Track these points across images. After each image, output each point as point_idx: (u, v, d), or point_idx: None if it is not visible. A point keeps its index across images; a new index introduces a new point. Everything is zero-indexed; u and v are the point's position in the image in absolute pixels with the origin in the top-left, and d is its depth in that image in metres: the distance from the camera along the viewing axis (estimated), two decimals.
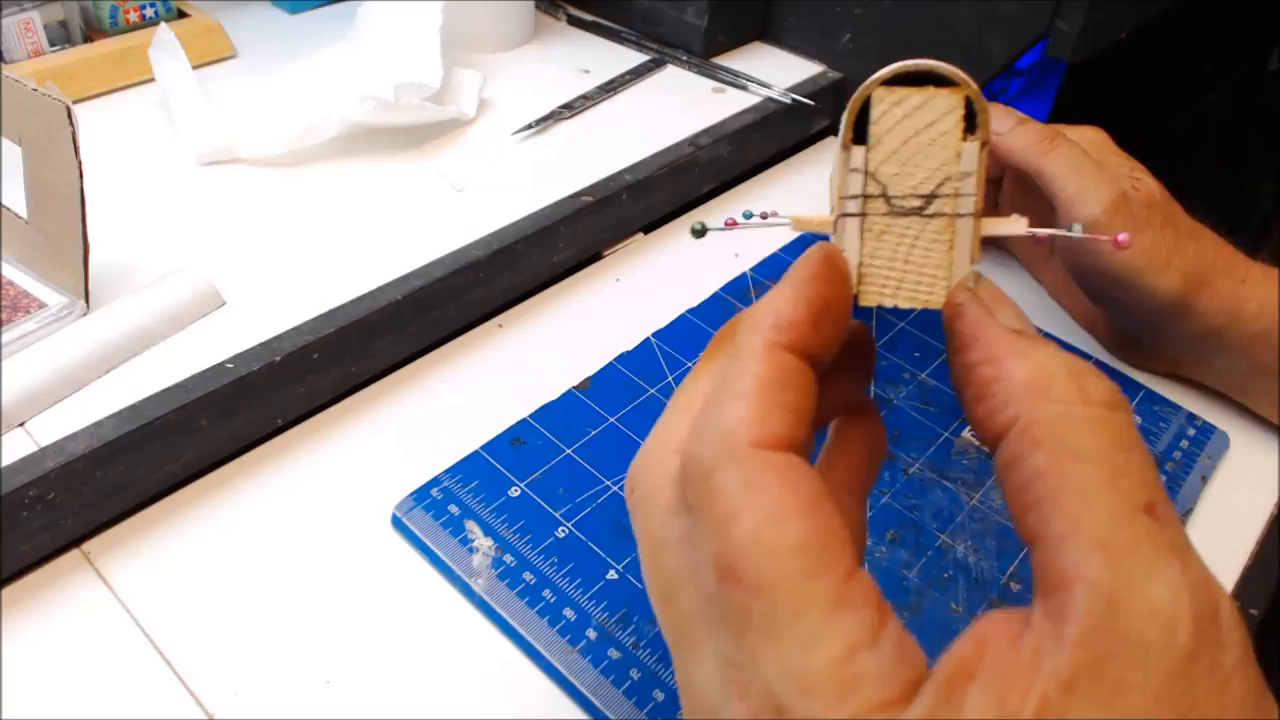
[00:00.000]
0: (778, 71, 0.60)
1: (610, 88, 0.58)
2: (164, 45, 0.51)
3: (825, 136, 0.62)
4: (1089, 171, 0.40)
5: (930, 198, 0.19)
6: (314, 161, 0.50)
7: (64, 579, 0.33)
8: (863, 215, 0.20)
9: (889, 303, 0.21)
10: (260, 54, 0.59)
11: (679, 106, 0.56)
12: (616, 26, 0.65)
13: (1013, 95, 0.77)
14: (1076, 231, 0.22)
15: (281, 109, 0.51)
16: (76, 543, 0.34)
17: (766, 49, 0.64)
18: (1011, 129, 0.42)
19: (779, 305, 0.19)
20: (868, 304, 0.21)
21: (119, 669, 0.31)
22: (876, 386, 0.43)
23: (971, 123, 0.19)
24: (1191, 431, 0.42)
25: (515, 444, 0.38)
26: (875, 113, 0.19)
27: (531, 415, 0.40)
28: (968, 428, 0.41)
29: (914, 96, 0.19)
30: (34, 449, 0.33)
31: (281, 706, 0.30)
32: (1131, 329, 0.44)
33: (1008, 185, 0.47)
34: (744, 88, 0.59)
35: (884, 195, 0.20)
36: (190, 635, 0.32)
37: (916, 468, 0.39)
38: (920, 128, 0.19)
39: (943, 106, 0.19)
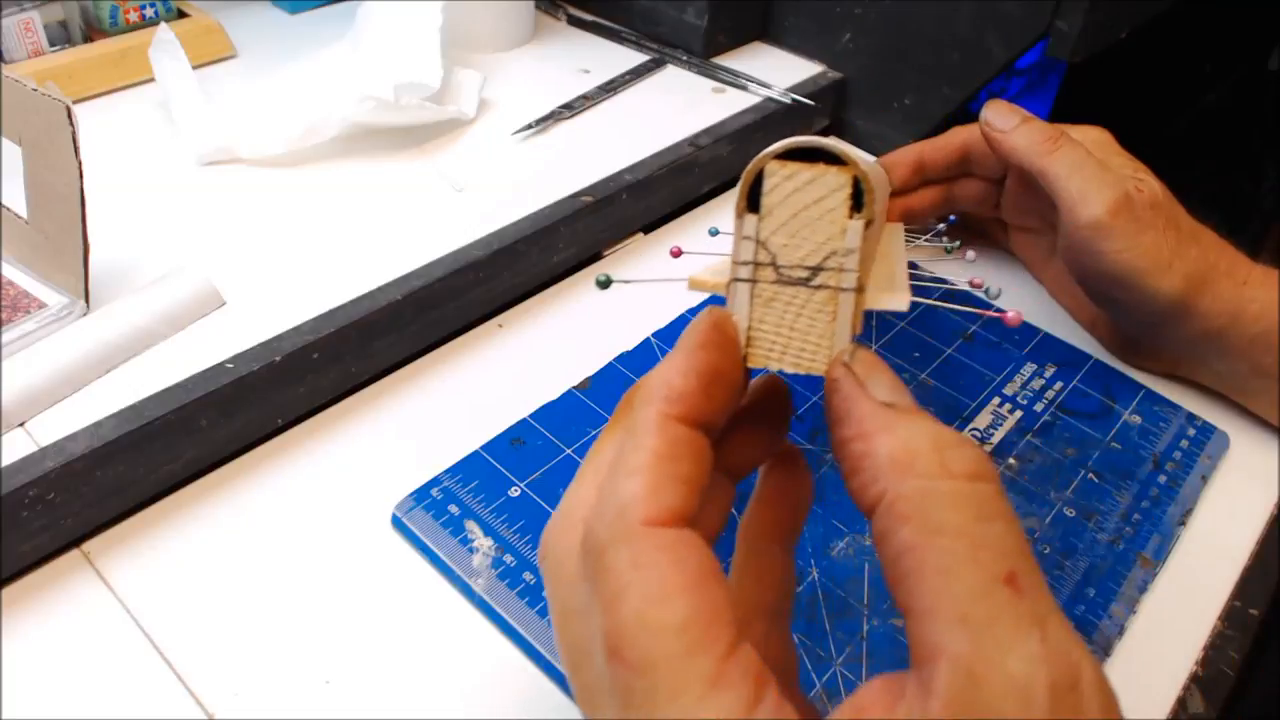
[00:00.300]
0: (778, 71, 0.60)
1: (610, 88, 0.58)
2: (164, 45, 0.51)
3: (826, 137, 0.62)
4: (1092, 172, 0.40)
5: (816, 270, 0.20)
6: (314, 161, 0.50)
7: (64, 579, 0.33)
8: (753, 281, 0.20)
9: (775, 366, 0.21)
10: (260, 54, 0.59)
11: (679, 106, 0.56)
12: (616, 26, 0.65)
13: (1013, 95, 0.77)
14: (992, 294, 0.22)
15: (281, 109, 0.51)
16: (76, 543, 0.34)
17: (766, 49, 0.64)
18: (1015, 127, 0.42)
19: (670, 377, 0.20)
20: (755, 365, 0.21)
21: (119, 669, 0.31)
22: None
23: (859, 201, 0.19)
24: (1191, 431, 0.42)
25: (515, 444, 0.38)
26: (768, 185, 0.20)
27: (531, 415, 0.40)
28: (968, 428, 0.41)
29: (804, 172, 0.19)
30: (34, 449, 0.33)
31: (281, 706, 0.30)
32: (1132, 329, 0.44)
33: (1010, 184, 0.47)
34: (744, 88, 0.59)
35: (773, 264, 0.20)
36: (190, 635, 0.32)
37: None
38: (809, 203, 0.19)
39: (831, 184, 0.19)
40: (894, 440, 0.18)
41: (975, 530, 0.17)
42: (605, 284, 0.23)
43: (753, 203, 0.20)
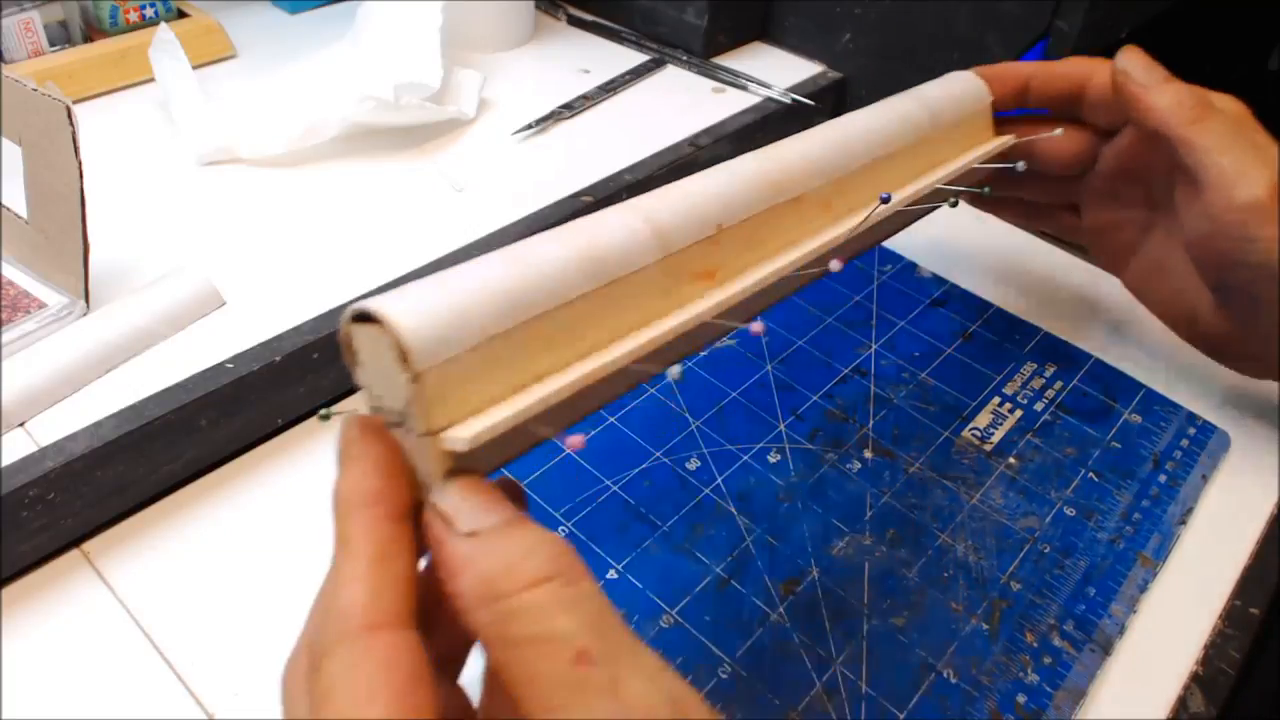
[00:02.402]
0: (778, 71, 0.60)
1: (610, 88, 0.58)
2: (164, 45, 0.51)
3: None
4: (1246, 149, 0.35)
5: (403, 415, 0.21)
6: (314, 161, 0.50)
7: (64, 579, 0.33)
8: (386, 423, 0.22)
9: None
10: (260, 54, 0.59)
11: (679, 106, 0.56)
12: (616, 26, 0.65)
13: None
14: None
15: (281, 109, 0.51)
16: (76, 543, 0.34)
17: (766, 49, 0.64)
18: (1155, 85, 0.37)
19: (357, 481, 0.20)
20: None
21: (119, 669, 0.31)
22: (877, 387, 0.43)
23: (405, 357, 0.20)
24: (1192, 431, 0.42)
25: None
26: (355, 343, 0.21)
27: None
28: (968, 427, 0.41)
29: (371, 333, 0.21)
30: (34, 449, 0.33)
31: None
32: (1263, 329, 0.38)
33: (1125, 146, 0.40)
34: (744, 88, 0.59)
35: (382, 407, 0.21)
36: (190, 635, 0.32)
37: (916, 467, 0.39)
38: (380, 359, 0.21)
39: (387, 343, 0.20)
40: (472, 575, 0.19)
41: (544, 630, 0.18)
42: (326, 417, 0.24)
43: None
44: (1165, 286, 0.41)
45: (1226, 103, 0.38)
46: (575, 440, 0.21)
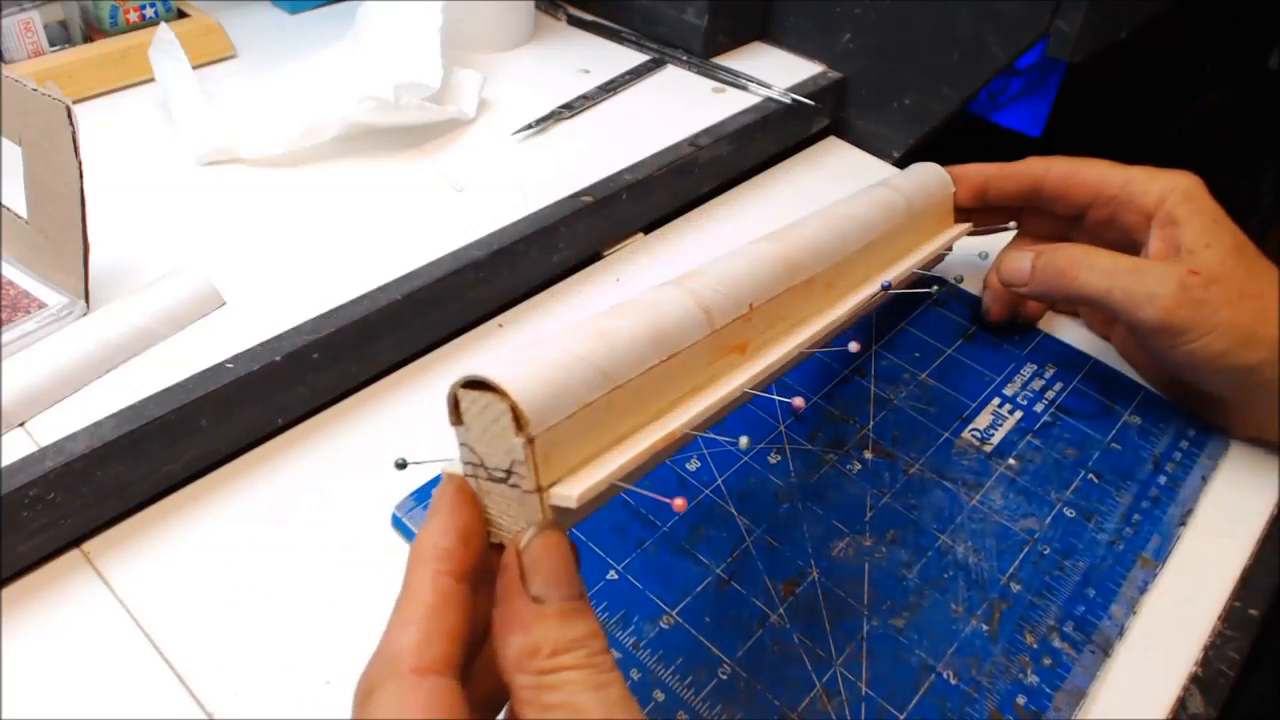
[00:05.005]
0: (778, 71, 0.60)
1: (610, 88, 0.58)
2: (164, 45, 0.51)
3: (825, 137, 0.62)
4: (1129, 277, 0.37)
5: (509, 472, 0.23)
6: (314, 161, 0.50)
7: (64, 579, 0.33)
8: (475, 477, 0.24)
9: (505, 542, 0.24)
10: (260, 54, 0.59)
11: (679, 106, 0.56)
12: (616, 26, 0.65)
13: (1013, 95, 0.77)
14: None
15: (281, 109, 0.51)
16: (76, 543, 0.34)
17: (766, 49, 0.64)
18: (1029, 275, 0.40)
19: (435, 538, 0.23)
20: (492, 541, 0.25)
21: (119, 669, 0.31)
22: (877, 387, 0.43)
23: (520, 422, 0.22)
24: (1191, 432, 0.42)
25: None
26: (462, 405, 0.24)
27: None
28: (968, 428, 0.41)
29: (481, 399, 0.23)
30: (34, 449, 0.33)
31: (281, 706, 0.30)
32: (1241, 401, 0.40)
33: (1081, 237, 0.43)
34: (744, 88, 0.59)
35: (483, 464, 0.24)
36: (190, 635, 0.32)
37: (917, 468, 0.39)
38: (490, 421, 0.23)
39: (499, 408, 0.23)
40: (524, 639, 0.21)
41: (571, 702, 0.20)
42: (402, 466, 0.26)
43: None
44: (1139, 357, 0.45)
45: (1173, 179, 0.41)
46: (679, 503, 0.23)
